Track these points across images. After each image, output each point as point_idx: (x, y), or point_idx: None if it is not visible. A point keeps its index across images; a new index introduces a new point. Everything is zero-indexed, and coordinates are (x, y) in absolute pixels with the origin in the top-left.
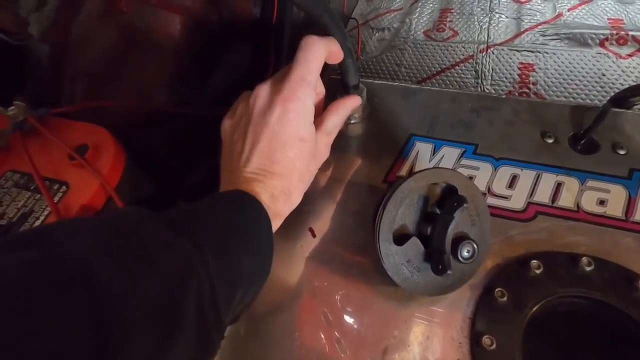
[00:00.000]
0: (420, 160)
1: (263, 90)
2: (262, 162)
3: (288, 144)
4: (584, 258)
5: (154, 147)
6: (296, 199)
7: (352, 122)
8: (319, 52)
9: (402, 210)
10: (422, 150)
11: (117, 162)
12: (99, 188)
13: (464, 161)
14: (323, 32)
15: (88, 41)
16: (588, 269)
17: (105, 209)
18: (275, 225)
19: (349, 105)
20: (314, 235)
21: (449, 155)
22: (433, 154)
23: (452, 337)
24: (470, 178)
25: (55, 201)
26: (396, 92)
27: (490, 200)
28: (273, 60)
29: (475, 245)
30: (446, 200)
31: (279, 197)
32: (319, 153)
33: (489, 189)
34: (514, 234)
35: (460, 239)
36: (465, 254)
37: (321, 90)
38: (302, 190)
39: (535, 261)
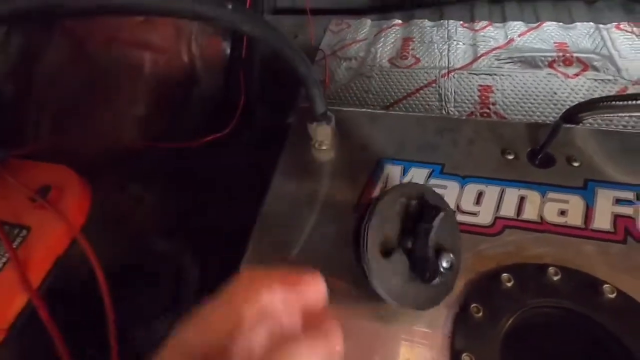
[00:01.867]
0: (391, 182)
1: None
2: None
3: None
4: (550, 268)
5: (125, 183)
6: None
7: (323, 148)
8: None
9: (384, 226)
10: (392, 172)
11: (83, 202)
12: (62, 230)
13: (432, 181)
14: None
15: (55, 80)
16: (555, 278)
17: (69, 251)
18: None
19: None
20: None
21: (418, 175)
22: (403, 175)
23: (432, 357)
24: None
25: (15, 246)
26: (364, 118)
27: (460, 218)
28: (244, 91)
29: (452, 256)
30: (423, 212)
31: None
32: None
33: (458, 207)
34: (484, 249)
35: (438, 251)
36: (445, 264)
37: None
38: None
39: (505, 274)
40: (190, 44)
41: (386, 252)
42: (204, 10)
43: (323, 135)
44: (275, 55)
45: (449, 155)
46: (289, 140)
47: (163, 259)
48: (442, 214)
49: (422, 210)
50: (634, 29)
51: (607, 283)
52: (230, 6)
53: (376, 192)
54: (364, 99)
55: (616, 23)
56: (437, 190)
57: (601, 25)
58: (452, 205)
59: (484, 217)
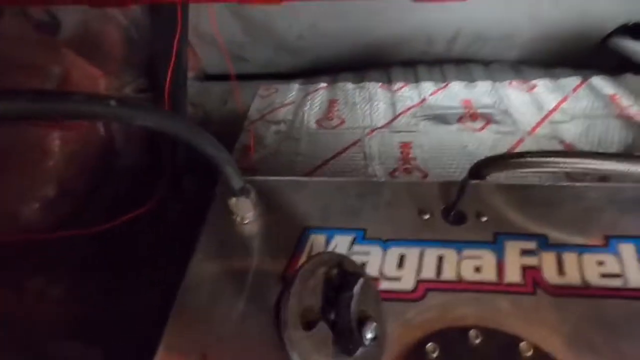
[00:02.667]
0: (315, 252)
1: None
2: None
3: None
4: (471, 331)
5: (23, 278)
6: None
7: (245, 222)
8: None
9: (305, 298)
10: (316, 242)
11: None
12: None
13: (355, 247)
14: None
15: None
16: (477, 341)
17: None
18: None
19: None
20: None
21: (342, 243)
22: (327, 245)
23: None
24: (363, 264)
25: None
26: (287, 187)
27: (384, 285)
28: (170, 161)
29: (376, 325)
30: (343, 280)
31: None
32: None
33: (381, 273)
34: (409, 317)
35: (362, 321)
36: (369, 334)
37: None
38: None
39: (431, 344)
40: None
41: (308, 325)
42: (86, 109)
43: (243, 209)
44: (206, 120)
45: (370, 219)
46: (209, 217)
47: None
48: (361, 280)
49: (341, 278)
50: (523, 85)
51: (524, 340)
52: (113, 102)
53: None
54: (293, 162)
55: (509, 81)
56: (360, 257)
57: (497, 83)
58: (376, 272)
59: (407, 281)
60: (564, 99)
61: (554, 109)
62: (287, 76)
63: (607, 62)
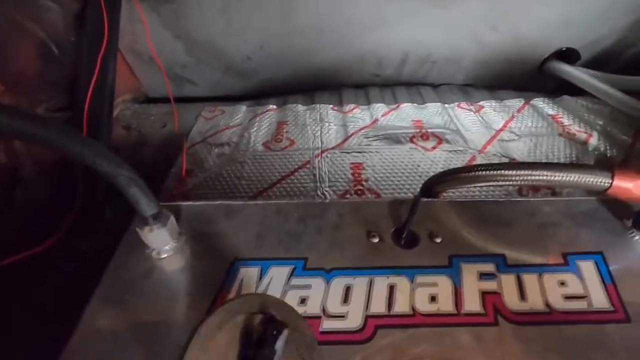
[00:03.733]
0: (245, 289)
1: None
2: None
3: None
4: None
5: None
6: None
7: (163, 256)
8: None
9: (212, 357)
10: (247, 276)
11: None
12: None
13: (294, 280)
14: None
15: None
16: None
17: None
18: None
19: None
20: None
21: (278, 276)
22: (260, 279)
23: None
24: (303, 300)
25: None
26: (217, 212)
27: (327, 324)
28: (82, 189)
29: None
30: (264, 333)
31: None
32: None
33: (323, 310)
34: None
35: None
36: None
37: None
38: None
39: None
40: (12, 141)
41: None
42: None
43: (158, 240)
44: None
45: (312, 246)
46: (116, 254)
47: None
48: (285, 332)
49: (263, 330)
50: (471, 107)
51: None
52: None
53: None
54: (235, 186)
55: (457, 103)
56: (300, 292)
57: (446, 105)
58: (318, 309)
59: (354, 318)
60: (511, 119)
61: (502, 129)
62: (234, 99)
63: (545, 85)
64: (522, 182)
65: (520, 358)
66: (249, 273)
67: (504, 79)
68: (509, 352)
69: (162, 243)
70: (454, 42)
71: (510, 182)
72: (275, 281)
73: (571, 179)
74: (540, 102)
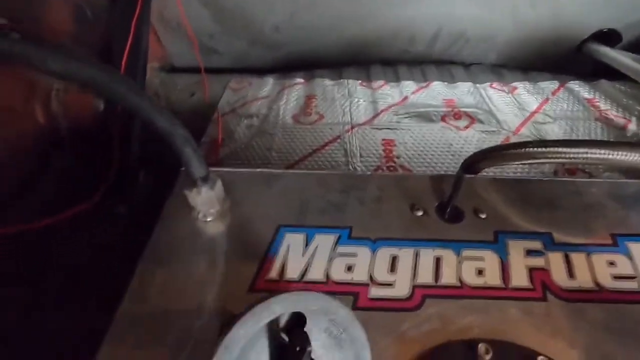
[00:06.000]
0: (292, 255)
1: None
2: None
3: None
4: (480, 346)
5: None
6: None
7: (208, 219)
8: None
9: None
10: (293, 242)
11: None
12: None
13: (340, 248)
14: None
15: None
16: (487, 357)
17: None
18: None
19: None
20: None
21: (323, 244)
22: (306, 246)
23: None
24: (350, 267)
25: None
26: (259, 180)
27: (374, 292)
28: (118, 153)
29: None
30: (292, 335)
31: None
32: None
33: (371, 277)
34: (405, 329)
35: None
36: None
37: None
38: None
39: None
40: (49, 101)
41: None
42: None
43: (206, 203)
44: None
45: (356, 216)
46: (163, 215)
47: None
48: (309, 349)
49: (290, 328)
50: (504, 87)
51: (540, 354)
52: (16, 35)
53: (274, 272)
54: (266, 157)
55: (489, 83)
56: (346, 260)
57: (478, 85)
58: (365, 277)
59: (401, 287)
60: (545, 101)
61: (536, 111)
62: (259, 72)
63: (582, 68)
64: (576, 160)
65: (569, 334)
66: (294, 239)
67: (537, 60)
68: (558, 327)
69: (209, 206)
70: (490, 18)
71: (563, 160)
72: (322, 248)
73: (633, 158)
74: (575, 85)
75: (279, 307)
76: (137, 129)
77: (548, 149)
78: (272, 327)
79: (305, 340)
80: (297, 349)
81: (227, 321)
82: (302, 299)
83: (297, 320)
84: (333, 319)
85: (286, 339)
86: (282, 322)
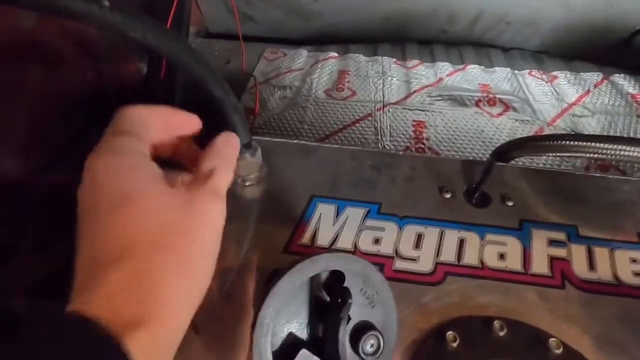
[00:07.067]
0: (323, 224)
1: None
2: None
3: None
4: (496, 322)
5: None
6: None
7: (247, 184)
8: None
9: (283, 314)
10: (324, 212)
11: None
12: None
13: (368, 222)
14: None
15: None
16: (502, 333)
17: None
18: None
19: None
20: (196, 332)
21: (353, 216)
22: (336, 216)
23: None
24: (377, 240)
25: None
26: (295, 150)
27: (399, 264)
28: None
29: (379, 336)
30: (333, 291)
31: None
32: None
33: (396, 251)
34: (426, 301)
35: (360, 331)
36: (368, 349)
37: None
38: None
39: (451, 333)
40: (99, 59)
41: (289, 348)
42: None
43: (247, 169)
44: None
45: (386, 193)
46: None
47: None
48: (350, 301)
49: (331, 284)
50: (544, 76)
51: (553, 336)
52: (107, 3)
53: (306, 238)
54: (298, 129)
55: (529, 70)
56: (374, 233)
57: (516, 71)
58: (391, 250)
59: (425, 263)
60: (586, 93)
61: (575, 103)
62: (294, 43)
63: (628, 61)
64: (614, 158)
65: (583, 321)
66: (326, 210)
67: (582, 50)
68: (573, 314)
69: (249, 171)
70: (537, 1)
71: (602, 156)
72: (351, 220)
73: None
74: (620, 79)
75: (323, 264)
76: (178, 95)
77: (587, 144)
78: (313, 283)
79: (347, 294)
80: (339, 300)
81: (273, 274)
82: (344, 259)
83: (337, 279)
84: (368, 280)
85: (325, 294)
86: (322, 279)
